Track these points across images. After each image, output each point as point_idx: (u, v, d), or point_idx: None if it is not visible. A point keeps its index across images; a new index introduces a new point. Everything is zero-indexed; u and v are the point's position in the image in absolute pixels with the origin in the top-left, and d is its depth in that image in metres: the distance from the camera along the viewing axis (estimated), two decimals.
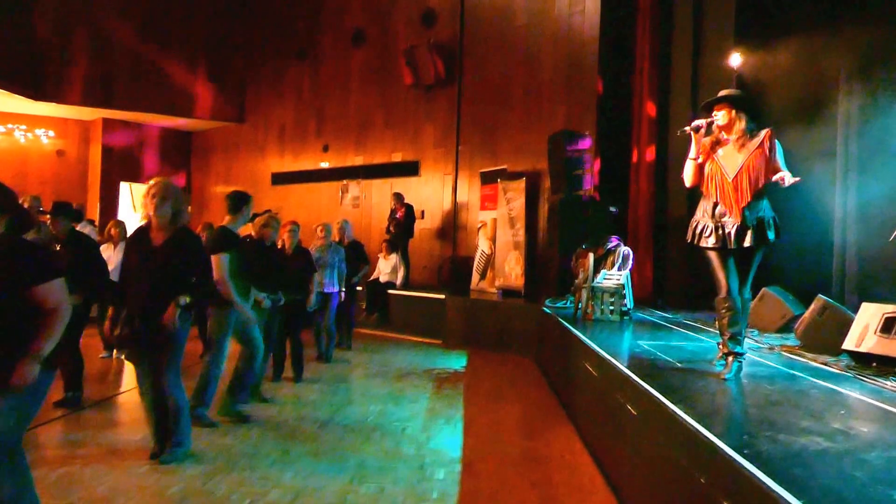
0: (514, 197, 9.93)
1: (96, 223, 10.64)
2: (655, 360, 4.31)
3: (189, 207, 17.53)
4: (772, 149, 3.68)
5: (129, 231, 6.36)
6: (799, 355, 4.63)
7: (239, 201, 4.92)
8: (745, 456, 2.21)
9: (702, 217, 3.88)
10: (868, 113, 6.25)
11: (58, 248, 5.03)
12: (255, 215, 5.64)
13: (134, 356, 3.97)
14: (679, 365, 4.14)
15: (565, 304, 7.93)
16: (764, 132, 3.73)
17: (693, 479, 2.47)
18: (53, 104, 13.37)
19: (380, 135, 12.82)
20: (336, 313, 7.44)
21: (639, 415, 3.36)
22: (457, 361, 8.05)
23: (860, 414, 3.07)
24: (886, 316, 4.16)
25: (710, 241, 3.78)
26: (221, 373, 4.87)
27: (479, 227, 10.72)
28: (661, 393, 3.14)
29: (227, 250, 4.65)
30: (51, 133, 14.64)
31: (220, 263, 4.57)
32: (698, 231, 3.86)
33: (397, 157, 12.52)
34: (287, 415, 5.23)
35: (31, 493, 2.69)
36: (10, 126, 14.15)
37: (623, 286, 6.66)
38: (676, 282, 8.62)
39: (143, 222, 3.97)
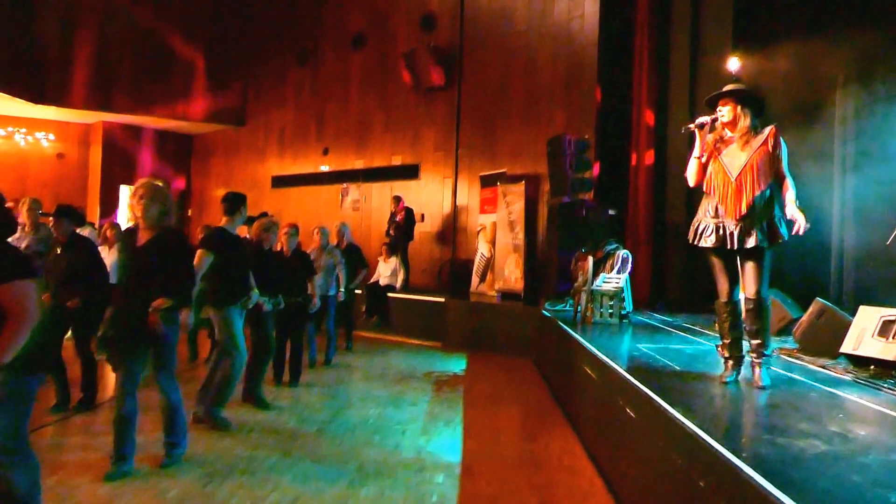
0: (513, 200, 9.95)
1: (97, 226, 10.65)
2: (654, 363, 4.31)
3: (189, 210, 17.49)
4: (776, 147, 3.55)
5: None
6: (797, 358, 4.64)
7: (235, 203, 4.93)
8: (743, 459, 2.22)
9: (704, 216, 3.75)
10: (865, 115, 6.27)
11: (59, 251, 5.03)
12: (252, 218, 5.63)
13: (113, 360, 3.85)
14: (678, 368, 4.15)
15: (565, 307, 7.94)
16: (768, 129, 3.59)
17: (692, 483, 2.48)
18: (54, 107, 13.39)
19: (380, 138, 12.83)
20: (335, 316, 7.43)
21: (638, 418, 3.37)
22: (456, 364, 8.05)
23: (858, 417, 3.08)
24: (884, 319, 4.18)
25: (710, 241, 3.65)
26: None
27: (479, 231, 10.74)
28: (660, 396, 3.15)
29: (212, 250, 4.61)
30: (51, 136, 14.67)
31: (200, 259, 4.49)
32: (699, 231, 3.74)
33: (397, 161, 12.54)
34: (286, 418, 5.23)
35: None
36: (10, 129, 14.19)
37: (622, 289, 6.67)
38: (675, 285, 8.65)
39: (130, 224, 3.94)
